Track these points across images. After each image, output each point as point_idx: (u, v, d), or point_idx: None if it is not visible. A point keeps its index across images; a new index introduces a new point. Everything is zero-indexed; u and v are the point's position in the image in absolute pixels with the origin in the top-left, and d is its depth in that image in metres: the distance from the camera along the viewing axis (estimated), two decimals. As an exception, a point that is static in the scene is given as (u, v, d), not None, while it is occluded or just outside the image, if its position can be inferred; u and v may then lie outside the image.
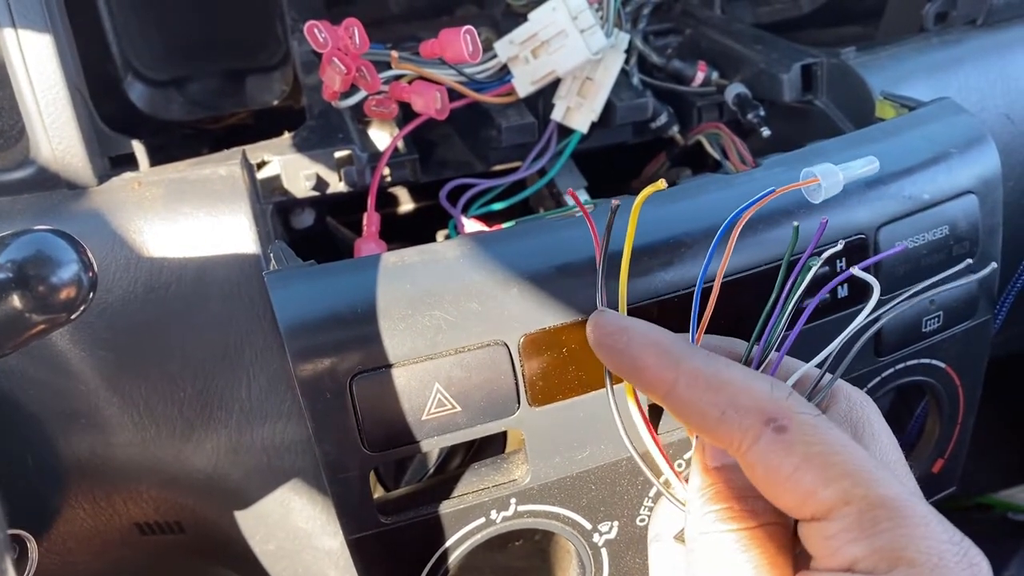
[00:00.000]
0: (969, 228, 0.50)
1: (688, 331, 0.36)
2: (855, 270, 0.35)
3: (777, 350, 0.35)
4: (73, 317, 0.33)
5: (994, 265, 0.40)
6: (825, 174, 0.36)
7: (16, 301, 0.32)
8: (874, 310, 0.34)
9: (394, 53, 0.52)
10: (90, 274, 0.33)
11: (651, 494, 0.47)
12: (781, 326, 0.34)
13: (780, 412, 0.29)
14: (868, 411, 0.35)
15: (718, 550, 0.31)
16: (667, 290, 0.43)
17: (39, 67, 0.47)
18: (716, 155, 0.61)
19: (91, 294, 0.33)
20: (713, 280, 0.37)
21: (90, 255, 0.34)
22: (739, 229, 0.36)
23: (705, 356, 0.32)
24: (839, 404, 0.35)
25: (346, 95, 0.53)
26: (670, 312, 0.43)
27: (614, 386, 0.38)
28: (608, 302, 0.38)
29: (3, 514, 0.25)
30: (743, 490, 0.32)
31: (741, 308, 0.41)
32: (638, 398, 0.37)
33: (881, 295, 0.49)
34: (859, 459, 0.28)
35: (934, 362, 0.54)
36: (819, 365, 0.34)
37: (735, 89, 0.61)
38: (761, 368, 0.35)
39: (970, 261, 0.39)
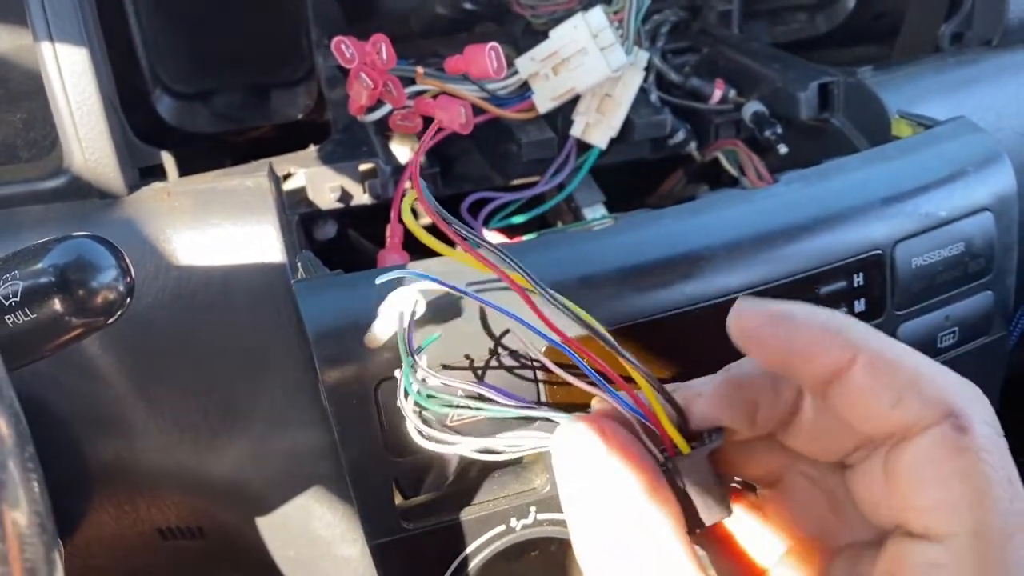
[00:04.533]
0: (985, 245, 0.51)
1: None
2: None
3: None
4: (110, 321, 0.34)
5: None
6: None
7: (57, 304, 0.33)
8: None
9: (419, 69, 0.53)
10: (128, 280, 0.34)
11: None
12: None
13: (965, 411, 0.25)
14: None
15: None
16: (686, 303, 0.44)
17: (75, 79, 0.48)
18: (733, 171, 0.62)
19: (128, 299, 0.34)
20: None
21: (128, 261, 0.35)
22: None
23: (886, 338, 0.27)
24: None
25: (371, 109, 0.54)
26: (688, 324, 0.44)
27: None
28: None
29: (49, 509, 0.26)
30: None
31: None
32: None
33: (896, 310, 0.50)
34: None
35: (949, 378, 0.54)
36: None
37: (752, 107, 0.62)
38: None
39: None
